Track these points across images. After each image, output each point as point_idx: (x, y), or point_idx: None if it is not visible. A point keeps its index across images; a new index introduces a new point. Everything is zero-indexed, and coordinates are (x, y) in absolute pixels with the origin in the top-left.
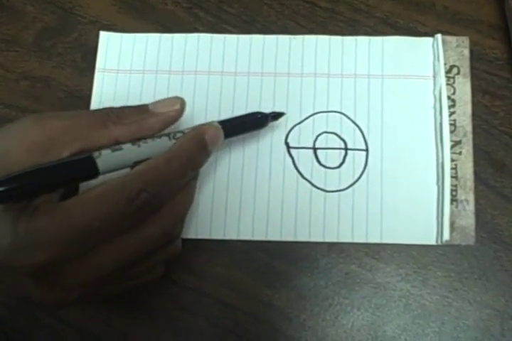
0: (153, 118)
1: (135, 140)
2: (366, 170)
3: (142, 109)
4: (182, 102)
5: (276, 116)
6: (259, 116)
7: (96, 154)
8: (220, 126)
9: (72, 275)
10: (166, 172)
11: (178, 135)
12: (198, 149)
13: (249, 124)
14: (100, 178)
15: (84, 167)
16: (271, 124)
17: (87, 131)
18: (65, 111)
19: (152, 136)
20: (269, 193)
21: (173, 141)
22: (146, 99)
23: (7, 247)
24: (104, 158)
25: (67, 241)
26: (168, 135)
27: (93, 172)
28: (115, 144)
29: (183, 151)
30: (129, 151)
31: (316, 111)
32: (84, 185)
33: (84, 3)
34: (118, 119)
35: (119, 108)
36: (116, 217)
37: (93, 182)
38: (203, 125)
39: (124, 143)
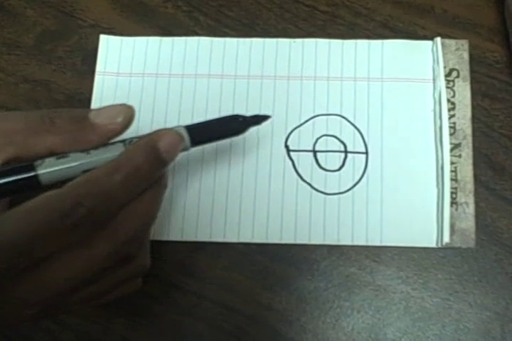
0: (91, 130)
1: None
2: (366, 173)
3: (80, 117)
4: (127, 113)
5: (259, 119)
6: (240, 119)
7: (38, 162)
8: (178, 132)
9: (21, 292)
10: (108, 185)
11: (134, 141)
12: (148, 158)
13: (224, 129)
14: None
15: (23, 176)
16: (269, 128)
17: (21, 136)
18: None
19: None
20: (269, 196)
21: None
22: (146, 103)
23: None
24: (47, 167)
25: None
26: (123, 141)
27: (34, 182)
28: (51, 154)
29: (130, 160)
30: (76, 159)
31: (315, 114)
32: None
33: (84, 6)
34: (52, 127)
35: (57, 111)
36: (49, 233)
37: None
38: (159, 131)
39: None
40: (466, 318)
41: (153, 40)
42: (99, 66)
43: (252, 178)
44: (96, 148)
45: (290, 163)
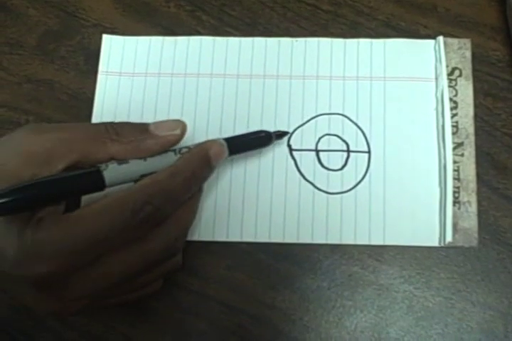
0: (152, 140)
1: None
2: (368, 172)
3: (142, 129)
4: (183, 127)
5: (281, 134)
6: (264, 134)
7: (103, 167)
8: (224, 143)
9: (77, 286)
10: (170, 186)
11: (184, 150)
12: (201, 164)
13: (253, 142)
14: (103, 191)
15: (91, 179)
16: (272, 127)
17: (84, 144)
18: (67, 112)
19: None
20: (271, 195)
21: (179, 156)
22: (149, 102)
23: (12, 258)
24: (111, 171)
25: (71, 253)
26: (173, 150)
27: (99, 185)
28: (111, 160)
29: (188, 166)
30: (135, 165)
31: (318, 113)
32: (87, 197)
33: (87, 6)
34: (117, 136)
35: (119, 124)
36: (121, 229)
37: (95, 194)
38: (208, 141)
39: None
40: (468, 317)
41: (156, 40)
42: (102, 66)
43: (255, 178)
44: (152, 155)
45: (292, 162)
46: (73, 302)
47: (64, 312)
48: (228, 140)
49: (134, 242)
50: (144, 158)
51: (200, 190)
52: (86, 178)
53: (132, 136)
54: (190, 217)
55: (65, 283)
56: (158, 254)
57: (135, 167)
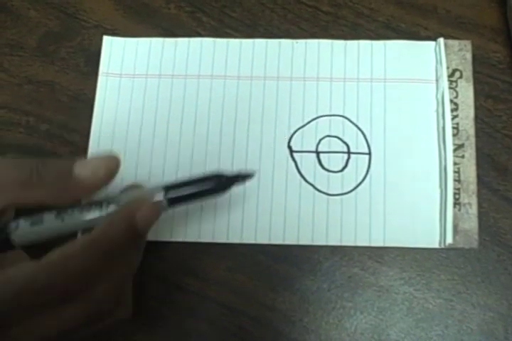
0: (74, 185)
1: (60, 208)
2: (369, 174)
3: (65, 172)
4: (109, 167)
5: (242, 178)
6: (222, 179)
7: (13, 227)
8: (156, 204)
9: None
10: (83, 264)
11: (111, 208)
12: (124, 233)
13: (203, 190)
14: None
15: None
16: (272, 129)
17: (11, 188)
18: (68, 114)
19: (79, 203)
20: (272, 197)
21: (103, 214)
22: (149, 103)
23: None
24: (21, 232)
25: None
26: (100, 204)
27: (7, 245)
28: (41, 206)
29: (107, 237)
30: (50, 225)
31: (318, 115)
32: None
33: (87, 7)
34: (39, 182)
35: (45, 164)
36: (19, 305)
37: None
38: (136, 201)
39: (48, 209)
40: (469, 319)
41: (156, 41)
42: (103, 67)
43: (255, 179)
44: (72, 207)
45: (293, 163)
46: None
47: None
48: (168, 188)
49: (48, 310)
50: (62, 218)
51: (141, 245)
52: None
53: (55, 180)
54: (118, 280)
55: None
56: (78, 322)
57: (50, 228)
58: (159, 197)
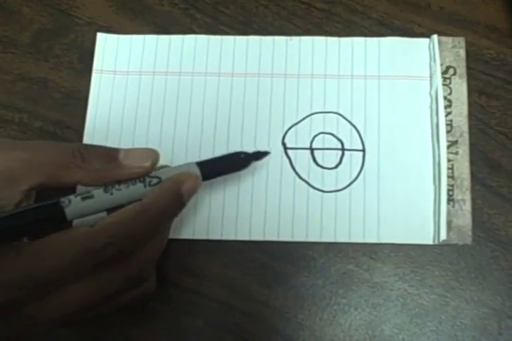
0: (119, 170)
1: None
2: (363, 171)
3: (111, 157)
4: (154, 158)
5: (260, 155)
6: (242, 156)
7: (65, 202)
8: (198, 176)
9: (33, 313)
10: (136, 227)
11: (154, 181)
12: (172, 202)
13: (230, 165)
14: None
15: (51, 215)
16: (266, 125)
17: (49, 168)
18: (61, 111)
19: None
20: (266, 193)
21: (148, 188)
22: (143, 101)
23: None
24: (74, 207)
25: (20, 285)
26: (143, 181)
27: (61, 220)
28: (76, 184)
29: (156, 204)
30: (100, 199)
31: (312, 111)
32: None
33: (80, 4)
34: (82, 163)
35: (87, 148)
36: (77, 267)
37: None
38: (182, 174)
39: (91, 186)
40: (462, 314)
41: (150, 38)
42: (96, 64)
43: (250, 176)
44: (118, 188)
45: (287, 160)
46: (32, 327)
47: (21, 337)
48: (201, 164)
49: (93, 274)
50: (111, 192)
51: (170, 221)
52: (45, 213)
53: (99, 164)
54: (158, 248)
55: (19, 313)
56: (118, 286)
57: (100, 202)
58: (196, 172)
